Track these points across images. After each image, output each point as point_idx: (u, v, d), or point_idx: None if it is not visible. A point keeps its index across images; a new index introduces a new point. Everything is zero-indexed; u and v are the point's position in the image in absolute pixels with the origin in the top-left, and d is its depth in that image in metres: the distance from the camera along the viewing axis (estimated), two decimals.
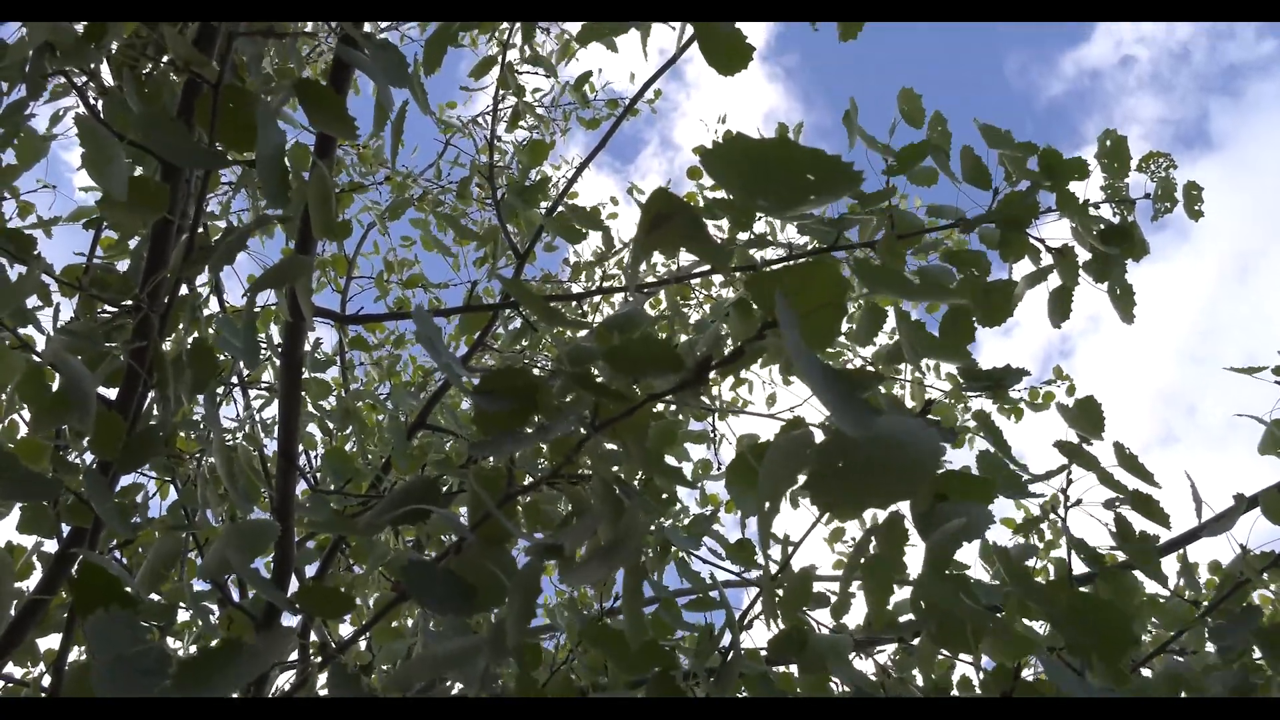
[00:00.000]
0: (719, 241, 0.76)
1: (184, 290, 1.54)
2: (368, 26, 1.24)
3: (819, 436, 0.87)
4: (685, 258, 2.12)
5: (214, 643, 0.79)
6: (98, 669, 0.72)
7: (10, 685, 1.92)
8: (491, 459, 0.75)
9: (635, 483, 0.90)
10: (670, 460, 0.94)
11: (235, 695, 0.82)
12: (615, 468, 0.89)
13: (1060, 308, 1.63)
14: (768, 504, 0.75)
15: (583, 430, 0.84)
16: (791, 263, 0.74)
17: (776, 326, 0.77)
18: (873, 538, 0.97)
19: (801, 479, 0.79)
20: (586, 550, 0.86)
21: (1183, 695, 1.07)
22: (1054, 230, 1.65)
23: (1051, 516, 1.20)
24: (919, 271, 1.49)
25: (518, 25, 2.12)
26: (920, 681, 1.25)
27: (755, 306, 0.76)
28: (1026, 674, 1.00)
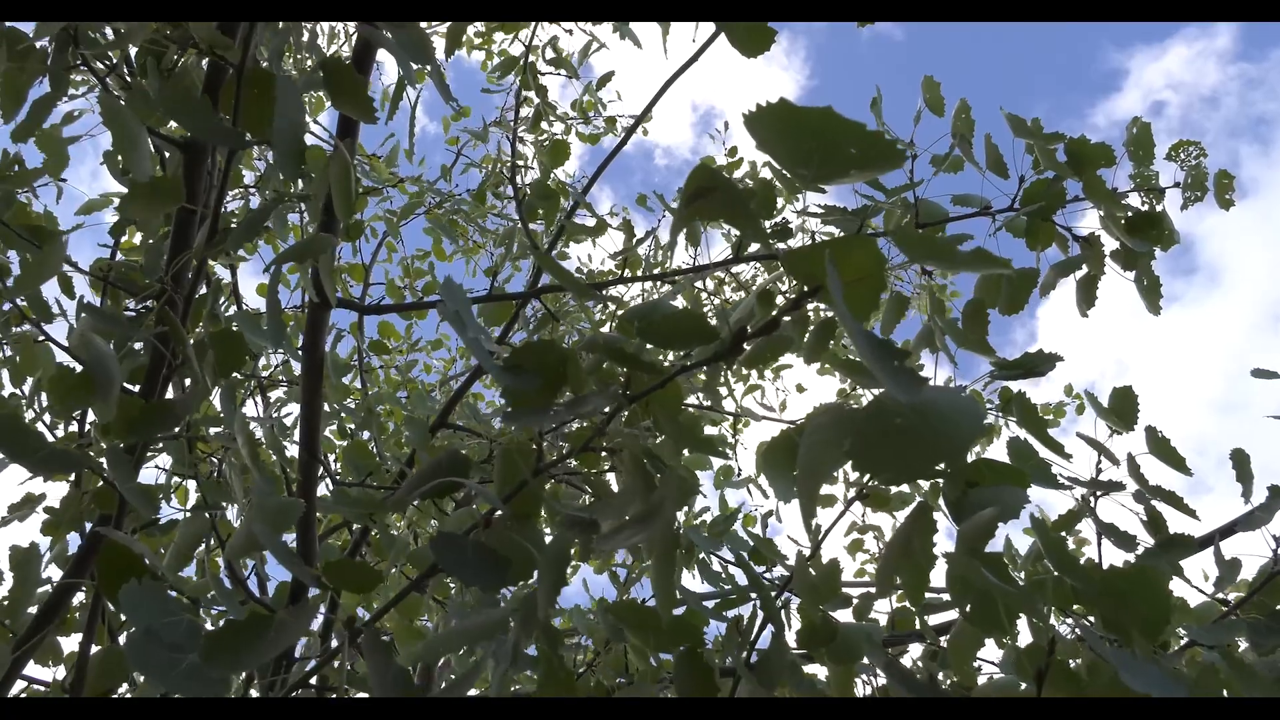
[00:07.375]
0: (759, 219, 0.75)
1: (203, 287, 1.54)
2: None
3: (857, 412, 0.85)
4: (702, 254, 2.11)
5: (241, 617, 0.79)
6: (131, 640, 0.71)
7: (31, 686, 1.91)
8: (521, 431, 0.75)
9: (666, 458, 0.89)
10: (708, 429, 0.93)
11: (260, 669, 0.81)
12: (645, 442, 0.87)
13: (1087, 296, 1.61)
14: (813, 475, 0.74)
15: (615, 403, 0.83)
16: (830, 236, 0.72)
17: (814, 295, 0.76)
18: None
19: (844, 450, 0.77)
20: (617, 526, 0.85)
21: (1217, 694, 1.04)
22: (1080, 221, 1.63)
23: (1083, 501, 1.17)
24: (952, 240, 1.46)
25: (544, 25, 2.13)
26: (947, 684, 1.22)
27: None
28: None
